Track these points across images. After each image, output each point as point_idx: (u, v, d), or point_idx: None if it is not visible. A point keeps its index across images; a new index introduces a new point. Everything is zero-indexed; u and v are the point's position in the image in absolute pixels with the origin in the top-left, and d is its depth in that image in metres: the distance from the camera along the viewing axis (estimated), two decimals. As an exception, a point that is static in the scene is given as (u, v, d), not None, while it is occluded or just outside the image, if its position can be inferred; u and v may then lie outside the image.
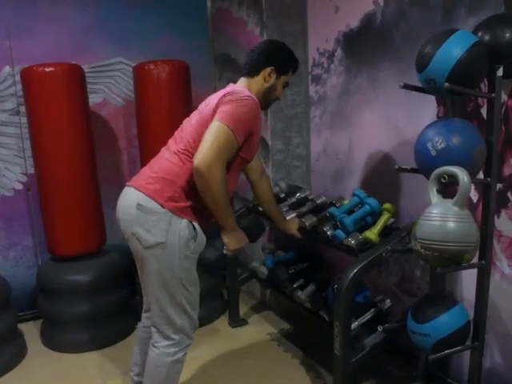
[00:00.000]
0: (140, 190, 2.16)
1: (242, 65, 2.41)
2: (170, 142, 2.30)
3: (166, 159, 2.20)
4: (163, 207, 2.11)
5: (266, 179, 2.82)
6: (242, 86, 2.28)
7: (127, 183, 2.27)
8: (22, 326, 3.48)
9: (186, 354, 2.31)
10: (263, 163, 3.00)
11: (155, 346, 2.26)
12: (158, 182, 2.15)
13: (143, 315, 2.51)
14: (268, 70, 2.31)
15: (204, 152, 1.99)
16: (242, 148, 2.16)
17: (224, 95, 2.14)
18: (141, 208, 2.12)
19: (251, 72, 2.33)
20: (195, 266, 2.25)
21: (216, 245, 2.40)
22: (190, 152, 2.13)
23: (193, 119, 2.27)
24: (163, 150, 2.30)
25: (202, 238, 2.21)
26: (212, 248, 2.40)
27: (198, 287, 2.28)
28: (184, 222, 2.13)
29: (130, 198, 2.18)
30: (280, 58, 2.36)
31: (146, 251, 2.15)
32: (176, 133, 2.32)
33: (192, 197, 2.14)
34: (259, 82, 2.33)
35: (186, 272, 2.18)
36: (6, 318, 3.12)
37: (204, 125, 2.12)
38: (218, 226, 2.21)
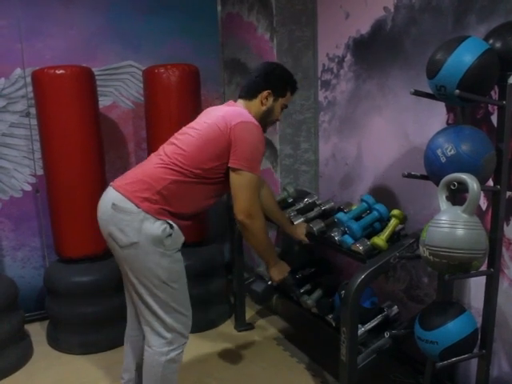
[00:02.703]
0: (118, 190, 2.19)
1: (240, 89, 2.44)
2: (160, 151, 2.30)
3: (151, 165, 2.23)
4: (138, 207, 2.13)
5: (267, 188, 2.82)
6: (244, 109, 2.29)
7: (110, 183, 2.30)
8: (29, 327, 3.48)
9: (181, 353, 2.31)
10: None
11: (149, 346, 2.26)
12: (136, 183, 2.19)
13: (128, 317, 2.50)
14: (265, 93, 2.34)
15: (242, 207, 2.18)
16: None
17: (236, 127, 2.16)
18: (115, 208, 2.16)
19: (248, 95, 2.36)
20: (178, 264, 2.25)
21: (262, 277, 2.61)
22: (177, 165, 2.17)
23: (190, 131, 2.27)
24: (152, 156, 2.32)
25: (178, 234, 2.21)
26: (259, 281, 2.57)
27: (183, 284, 2.28)
28: (157, 221, 2.14)
29: (108, 198, 2.22)
30: (277, 81, 2.38)
31: (123, 251, 2.18)
32: (165, 144, 2.32)
33: (169, 203, 2.17)
34: (256, 105, 2.35)
35: (166, 270, 2.18)
36: (13, 318, 3.13)
37: (209, 143, 2.17)
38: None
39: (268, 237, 2.37)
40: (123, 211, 2.14)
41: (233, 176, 2.19)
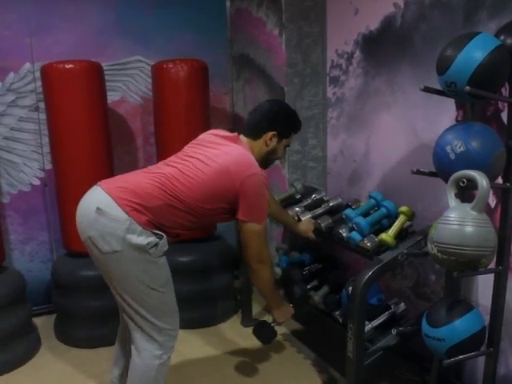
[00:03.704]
0: (108, 193, 2.09)
1: (244, 125, 2.42)
2: (160, 167, 2.24)
3: (147, 180, 2.14)
4: (127, 215, 2.04)
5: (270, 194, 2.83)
6: (248, 152, 2.26)
7: (98, 183, 2.20)
8: (36, 320, 3.50)
9: (170, 357, 2.27)
10: None
11: (140, 351, 2.20)
12: (128, 192, 2.09)
13: (120, 318, 2.46)
14: (270, 134, 2.33)
15: (253, 255, 2.27)
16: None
17: (247, 178, 2.14)
18: (99, 212, 2.05)
19: (253, 135, 2.35)
20: (164, 268, 2.18)
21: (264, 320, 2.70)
22: (175, 193, 2.12)
23: (195, 162, 2.19)
24: (149, 169, 2.25)
25: (164, 244, 2.12)
26: (263, 324, 2.66)
27: (170, 287, 2.22)
28: (144, 233, 2.06)
29: (93, 201, 2.11)
30: (282, 123, 2.37)
31: (104, 257, 2.09)
32: (166, 162, 2.27)
33: (158, 220, 2.11)
34: (260, 145, 2.34)
35: (153, 276, 2.12)
36: (21, 311, 3.15)
37: (216, 188, 2.15)
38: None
39: (273, 281, 2.45)
40: (108, 217, 2.04)
41: (243, 226, 2.21)
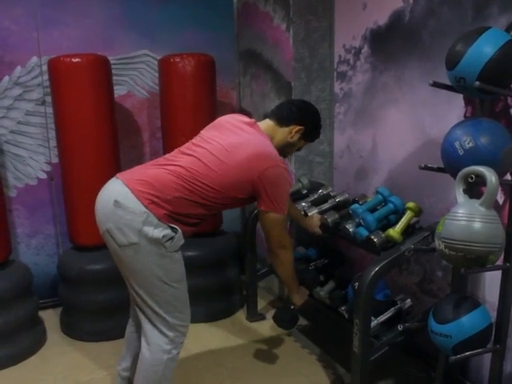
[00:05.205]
0: (127, 185, 2.09)
1: (273, 109, 2.45)
2: (175, 157, 2.23)
3: (164, 171, 2.13)
4: (145, 208, 2.04)
5: None
6: (268, 141, 2.26)
7: (117, 175, 2.21)
8: (42, 314, 3.51)
9: (179, 352, 2.26)
10: None
11: (149, 345, 2.20)
12: (145, 184, 2.09)
13: (131, 310, 2.46)
14: (298, 127, 2.36)
15: (277, 240, 2.33)
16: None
17: (266, 171, 2.14)
18: (117, 205, 2.05)
19: (281, 121, 2.36)
20: (179, 264, 2.18)
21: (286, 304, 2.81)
22: (187, 179, 2.11)
23: (212, 148, 2.18)
24: (165, 159, 2.24)
25: (179, 238, 2.12)
26: (283, 309, 2.81)
27: (184, 283, 2.21)
28: (160, 226, 2.06)
29: (111, 193, 2.12)
30: (312, 124, 2.44)
31: (121, 250, 2.09)
32: (181, 151, 2.26)
33: (176, 212, 2.10)
34: (284, 134, 2.36)
35: (168, 271, 2.12)
36: (28, 304, 3.16)
37: (229, 175, 2.14)
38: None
39: (294, 268, 2.51)
40: (125, 210, 2.04)
41: (265, 216, 2.26)
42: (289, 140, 2.37)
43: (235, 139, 2.20)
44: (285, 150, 2.40)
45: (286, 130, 2.35)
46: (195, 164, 2.14)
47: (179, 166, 2.14)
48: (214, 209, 2.25)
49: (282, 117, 2.36)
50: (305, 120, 2.38)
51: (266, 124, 2.36)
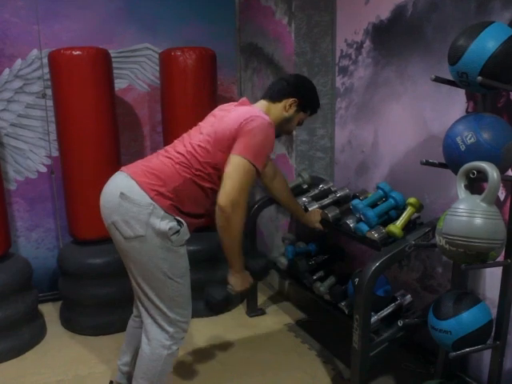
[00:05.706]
0: (133, 178, 2.09)
1: (266, 88, 2.40)
2: (176, 143, 2.25)
3: (163, 162, 2.15)
4: (151, 200, 2.04)
5: (280, 180, 2.82)
6: (259, 109, 2.23)
7: (121, 168, 2.21)
8: (42, 307, 3.52)
9: (179, 348, 2.26)
10: (275, 165, 2.94)
11: (149, 339, 2.20)
12: (150, 176, 2.10)
13: (134, 305, 2.45)
14: (291, 100, 2.31)
15: (229, 192, 2.03)
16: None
17: (245, 122, 2.08)
18: (123, 197, 2.06)
19: (274, 97, 2.32)
20: (183, 259, 2.17)
21: (222, 285, 2.30)
22: (188, 163, 2.11)
23: (203, 129, 2.21)
24: (166, 151, 2.24)
25: (185, 232, 2.12)
26: (219, 288, 2.29)
27: (188, 279, 2.21)
28: (166, 218, 2.06)
29: (117, 186, 2.13)
30: (306, 94, 2.36)
31: (126, 242, 2.09)
32: (179, 139, 2.27)
33: (181, 202, 2.11)
34: (279, 109, 2.31)
35: (172, 265, 2.11)
36: (28, 298, 3.16)
37: (218, 143, 2.10)
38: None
39: (241, 240, 2.17)
40: (131, 202, 2.04)
41: (231, 158, 2.07)
42: (284, 114, 2.32)
43: (227, 114, 2.21)
44: (283, 126, 2.36)
45: (279, 105, 2.31)
46: (194, 149, 2.14)
47: (180, 153, 2.15)
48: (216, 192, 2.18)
49: (273, 93, 2.33)
50: (297, 91, 2.32)
51: (260, 104, 2.33)
